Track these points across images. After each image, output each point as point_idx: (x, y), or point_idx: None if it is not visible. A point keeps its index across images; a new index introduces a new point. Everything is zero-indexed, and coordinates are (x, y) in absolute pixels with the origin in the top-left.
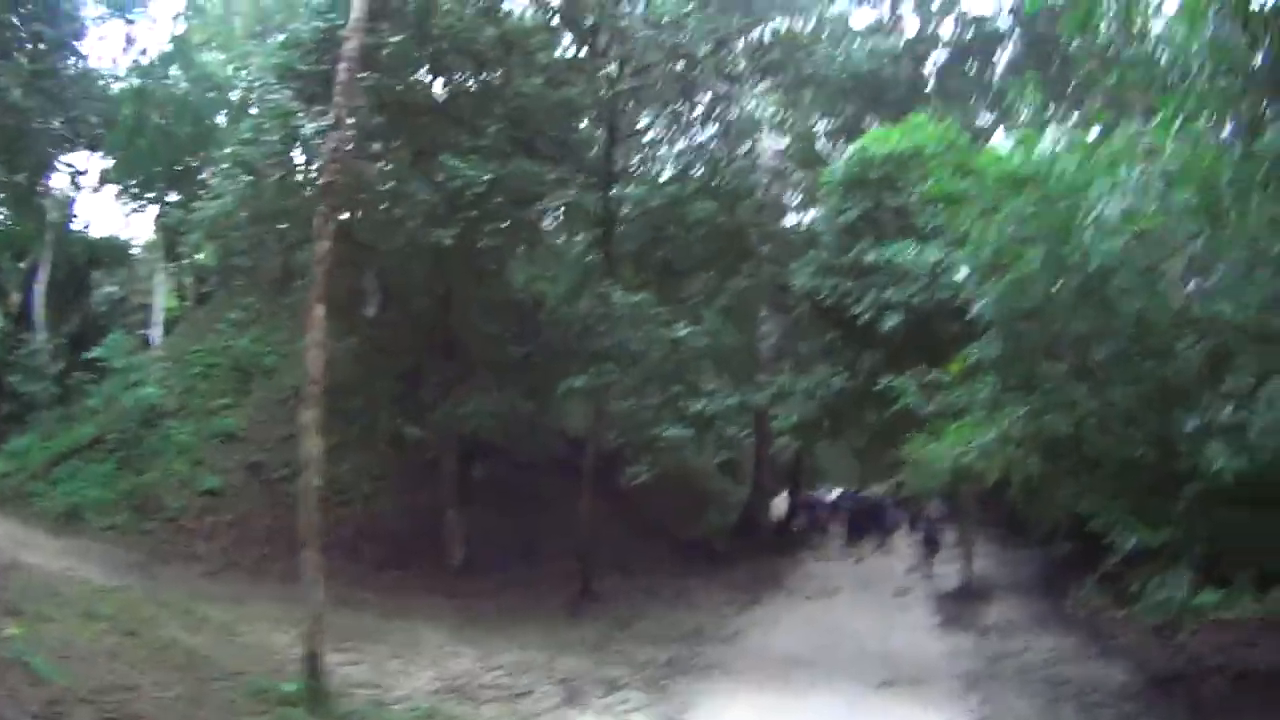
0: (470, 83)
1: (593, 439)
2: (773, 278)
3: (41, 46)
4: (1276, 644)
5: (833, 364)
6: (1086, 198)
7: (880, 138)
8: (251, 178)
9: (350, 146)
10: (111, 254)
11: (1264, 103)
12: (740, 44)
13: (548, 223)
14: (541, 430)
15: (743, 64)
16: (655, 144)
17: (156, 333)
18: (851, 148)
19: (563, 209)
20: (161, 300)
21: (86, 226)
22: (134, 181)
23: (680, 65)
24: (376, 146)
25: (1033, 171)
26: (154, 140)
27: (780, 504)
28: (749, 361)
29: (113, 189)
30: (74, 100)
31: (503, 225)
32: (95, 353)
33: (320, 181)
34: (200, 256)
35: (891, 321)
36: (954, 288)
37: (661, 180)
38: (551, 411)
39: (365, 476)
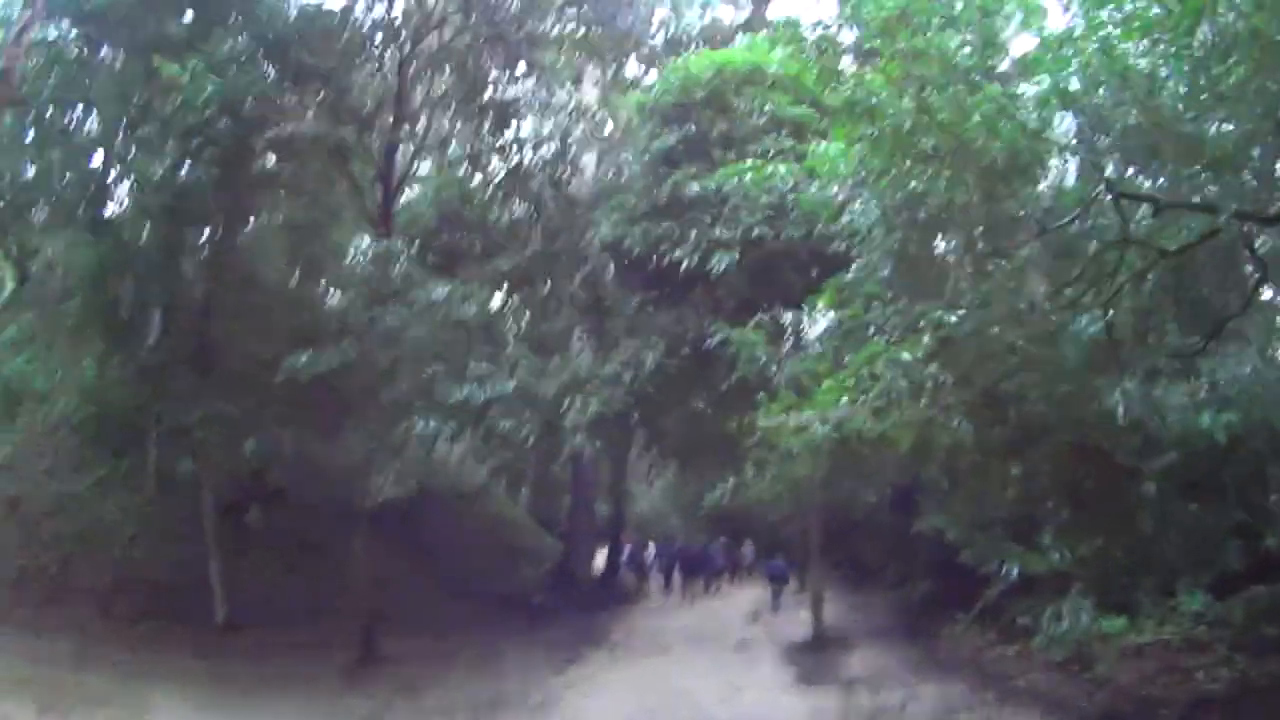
0: None
1: (368, 465)
2: (571, 242)
3: None
4: (1212, 667)
5: (646, 335)
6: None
7: (708, 57)
8: None
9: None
10: None
11: None
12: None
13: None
14: (332, 473)
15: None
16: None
17: None
18: (670, 66)
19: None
20: None
21: None
22: None
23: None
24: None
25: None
26: None
27: (603, 555)
28: (546, 345)
29: None
30: None
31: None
32: None
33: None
34: None
35: (724, 262)
36: (810, 219)
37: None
38: (344, 451)
39: (130, 518)
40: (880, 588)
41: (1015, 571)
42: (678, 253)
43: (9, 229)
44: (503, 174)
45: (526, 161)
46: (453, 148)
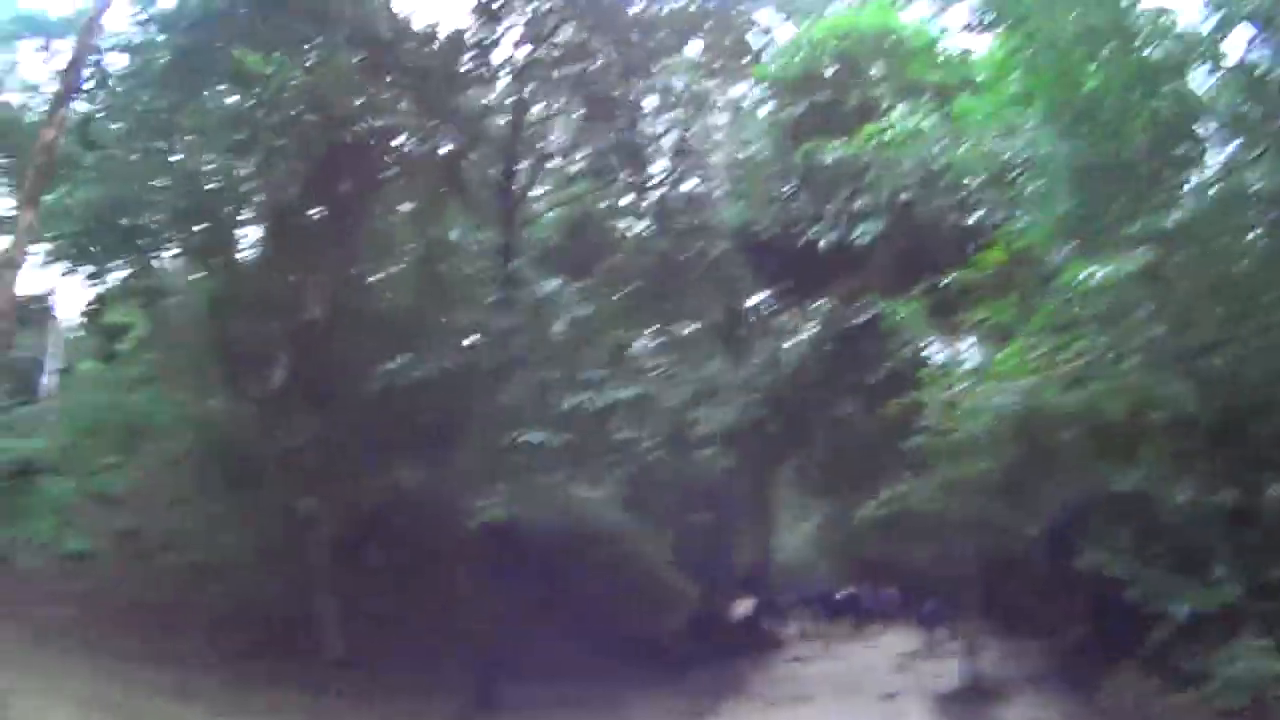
0: None
1: (477, 487)
2: (697, 238)
3: None
4: None
5: (783, 332)
6: None
7: (833, 22)
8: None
9: None
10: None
11: None
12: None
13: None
14: (447, 501)
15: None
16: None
17: (48, 384)
18: (794, 34)
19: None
20: (52, 349)
21: None
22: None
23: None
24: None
25: None
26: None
27: (746, 601)
28: (672, 349)
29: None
30: None
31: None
32: None
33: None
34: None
35: (870, 233)
36: (961, 186)
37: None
38: (456, 474)
39: (246, 552)
40: (1034, 632)
41: (1184, 610)
42: (815, 231)
43: (137, 268)
44: (627, 180)
45: (651, 164)
46: (573, 156)
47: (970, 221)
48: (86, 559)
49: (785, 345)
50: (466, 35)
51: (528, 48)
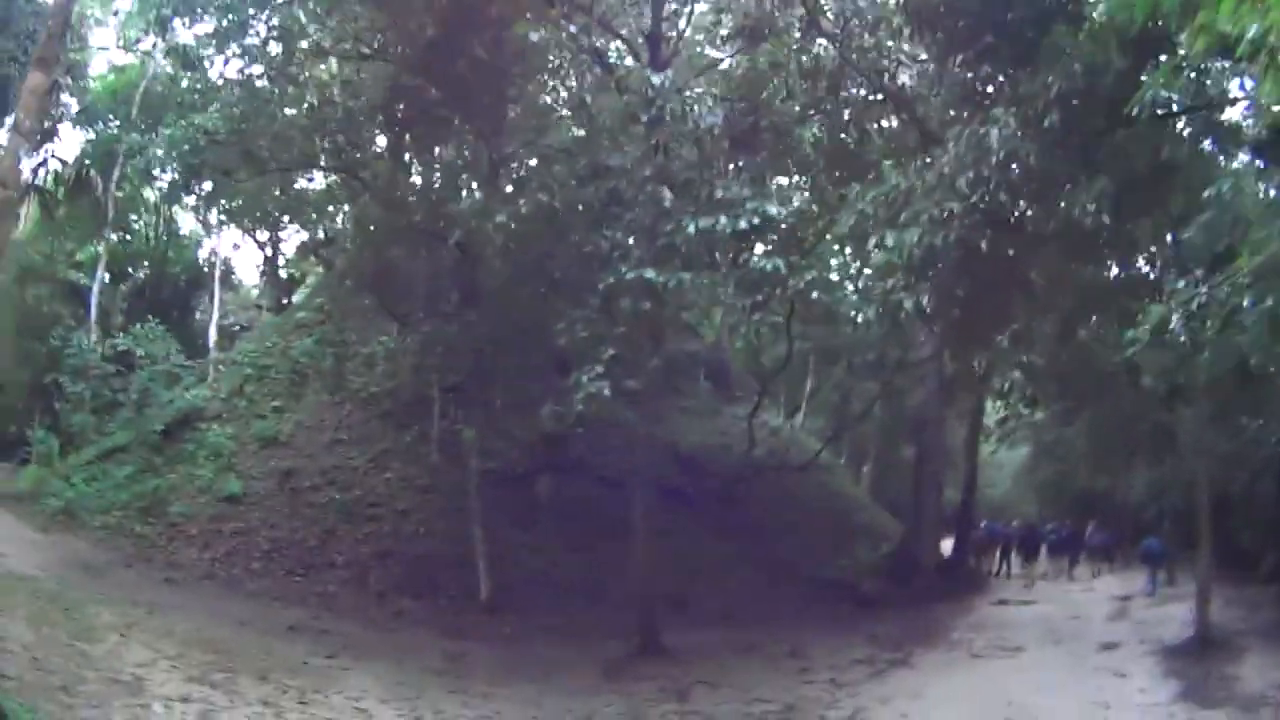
0: None
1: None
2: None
3: None
4: None
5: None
6: None
7: None
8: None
9: None
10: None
11: None
12: None
13: None
14: (641, 441)
15: None
16: None
17: (213, 334)
18: None
19: None
20: (219, 307)
21: (196, 249)
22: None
23: None
24: None
25: None
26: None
27: (948, 537)
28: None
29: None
30: None
31: None
32: (122, 344)
33: None
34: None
35: None
36: None
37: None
38: (660, 420)
39: (408, 489)
40: (1265, 575)
41: None
42: None
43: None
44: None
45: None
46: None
47: None
48: (240, 502)
49: (991, 128)
50: None
51: None
